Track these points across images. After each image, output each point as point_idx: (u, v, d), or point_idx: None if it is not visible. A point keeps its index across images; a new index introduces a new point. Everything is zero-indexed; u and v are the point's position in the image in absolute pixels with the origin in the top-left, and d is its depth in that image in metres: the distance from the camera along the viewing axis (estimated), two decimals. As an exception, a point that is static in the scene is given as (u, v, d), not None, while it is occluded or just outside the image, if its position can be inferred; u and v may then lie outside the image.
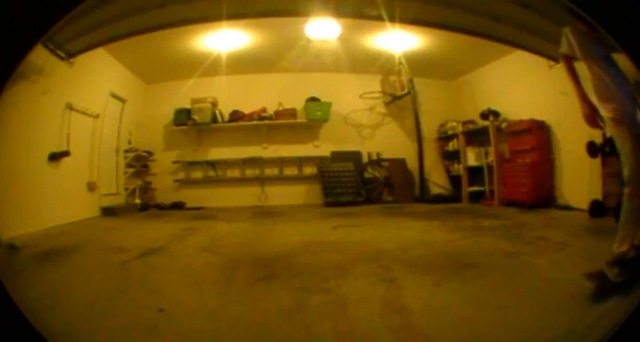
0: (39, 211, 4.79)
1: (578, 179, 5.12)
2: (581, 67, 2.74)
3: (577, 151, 5.07)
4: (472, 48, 6.19)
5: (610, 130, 2.66)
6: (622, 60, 1.64)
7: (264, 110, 8.32)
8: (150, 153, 8.12)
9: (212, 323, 2.12)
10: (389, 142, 8.40)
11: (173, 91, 7.89)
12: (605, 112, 2.66)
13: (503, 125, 6.69)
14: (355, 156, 8.36)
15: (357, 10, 5.66)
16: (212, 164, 8.34)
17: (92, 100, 6.36)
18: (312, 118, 8.19)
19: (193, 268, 3.27)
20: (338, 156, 8.33)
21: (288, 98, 8.26)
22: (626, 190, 2.53)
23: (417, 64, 7.40)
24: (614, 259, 2.53)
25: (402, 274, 2.84)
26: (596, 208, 4.70)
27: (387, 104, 8.48)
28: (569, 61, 2.76)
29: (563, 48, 2.77)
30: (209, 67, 6.95)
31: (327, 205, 7.63)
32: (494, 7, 4.85)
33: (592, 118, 2.70)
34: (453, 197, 7.71)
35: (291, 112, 8.30)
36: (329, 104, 8.17)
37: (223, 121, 8.25)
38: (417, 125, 8.11)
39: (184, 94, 7.86)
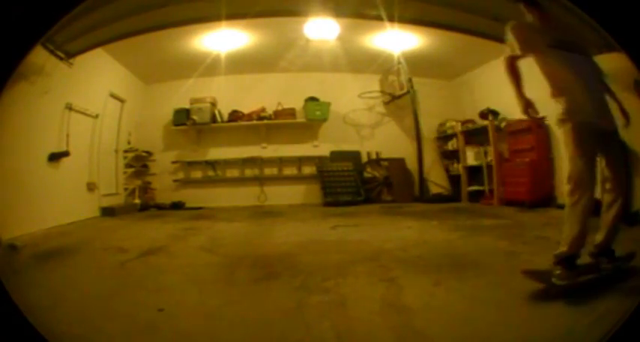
0: (39, 211, 4.79)
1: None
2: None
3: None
4: (471, 47, 6.20)
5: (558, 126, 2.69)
6: (621, 59, 1.63)
7: (263, 110, 8.33)
8: (149, 153, 8.13)
9: (212, 323, 2.12)
10: (388, 141, 8.42)
11: (172, 91, 7.91)
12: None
13: (503, 124, 6.69)
14: (354, 156, 8.38)
15: (356, 10, 5.66)
16: (211, 164, 8.35)
17: (91, 101, 6.37)
18: (311, 118, 8.20)
19: (193, 268, 3.27)
20: (337, 156, 8.34)
21: (287, 98, 8.27)
22: (566, 188, 2.56)
23: (416, 63, 7.41)
24: (555, 259, 2.51)
25: (402, 274, 2.84)
26: (596, 208, 4.70)
27: (386, 104, 8.50)
28: (511, 61, 2.73)
29: (507, 50, 2.75)
30: (208, 67, 6.96)
31: (327, 204, 7.64)
32: (494, 6, 4.85)
33: (527, 111, 2.72)
34: (453, 197, 7.71)
35: (290, 112, 8.31)
36: (328, 104, 8.18)
37: (222, 121, 8.27)
38: (416, 125, 8.12)
39: (183, 94, 7.87)
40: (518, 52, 2.70)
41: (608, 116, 2.66)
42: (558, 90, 2.64)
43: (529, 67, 2.76)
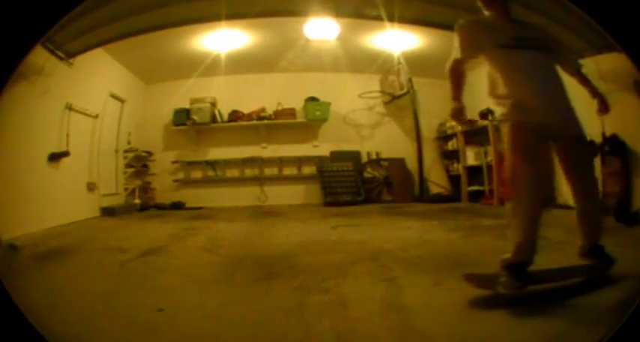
0: (39, 211, 4.80)
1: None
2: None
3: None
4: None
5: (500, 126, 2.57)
6: (621, 59, 1.63)
7: (263, 110, 8.33)
8: (149, 153, 8.14)
9: (212, 323, 2.12)
10: (388, 141, 8.42)
11: (172, 91, 7.91)
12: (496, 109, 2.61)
13: (503, 124, 6.69)
14: (354, 156, 8.37)
15: (356, 10, 5.67)
16: (211, 164, 8.35)
17: (91, 101, 6.38)
18: (311, 118, 8.21)
19: (193, 268, 3.27)
20: (337, 156, 8.34)
21: (287, 98, 8.27)
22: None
23: (416, 63, 7.41)
24: (501, 264, 2.40)
25: (402, 274, 2.84)
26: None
27: (386, 104, 8.49)
28: (455, 63, 2.57)
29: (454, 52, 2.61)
30: (208, 67, 6.96)
31: (327, 204, 7.64)
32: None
33: (455, 116, 2.60)
34: (453, 197, 7.71)
35: (290, 112, 8.31)
36: (328, 104, 8.18)
37: (222, 121, 8.27)
38: (416, 125, 8.13)
39: (183, 94, 7.88)
40: (460, 55, 2.58)
41: (569, 119, 2.52)
42: (503, 91, 2.52)
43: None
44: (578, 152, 2.60)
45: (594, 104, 2.70)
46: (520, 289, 2.32)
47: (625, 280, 2.39)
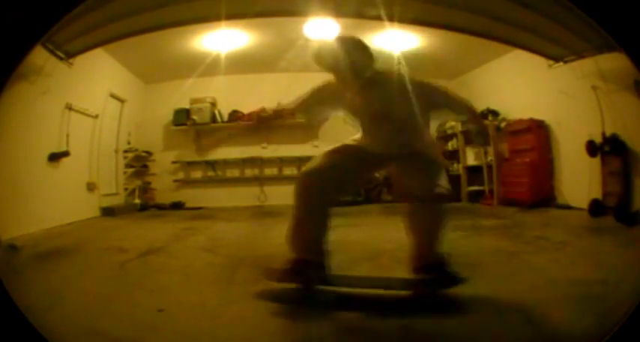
0: (39, 212, 4.79)
1: (578, 178, 5.13)
2: None
3: (576, 151, 5.08)
4: (471, 47, 6.19)
5: None
6: (621, 59, 1.64)
7: (263, 110, 8.30)
8: (149, 153, 8.13)
9: (212, 323, 2.12)
10: (388, 141, 8.38)
11: (172, 91, 7.87)
12: None
13: (503, 124, 6.70)
14: (354, 156, 8.34)
15: (356, 10, 5.66)
16: (211, 164, 8.34)
17: (91, 101, 6.37)
18: (311, 118, 8.18)
19: (193, 268, 3.28)
20: (337, 156, 8.31)
21: (287, 98, 8.23)
22: None
23: (416, 63, 7.38)
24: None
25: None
26: (596, 207, 4.71)
27: (386, 104, 8.46)
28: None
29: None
30: (208, 67, 6.93)
31: (327, 204, 7.61)
32: (493, 6, 4.85)
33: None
34: (453, 197, 7.70)
35: (291, 112, 8.28)
36: (328, 104, 8.15)
37: (222, 121, 8.26)
38: (416, 125, 8.09)
39: (183, 94, 7.85)
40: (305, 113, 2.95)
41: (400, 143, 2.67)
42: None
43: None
44: (409, 162, 2.73)
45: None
46: (302, 286, 2.41)
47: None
